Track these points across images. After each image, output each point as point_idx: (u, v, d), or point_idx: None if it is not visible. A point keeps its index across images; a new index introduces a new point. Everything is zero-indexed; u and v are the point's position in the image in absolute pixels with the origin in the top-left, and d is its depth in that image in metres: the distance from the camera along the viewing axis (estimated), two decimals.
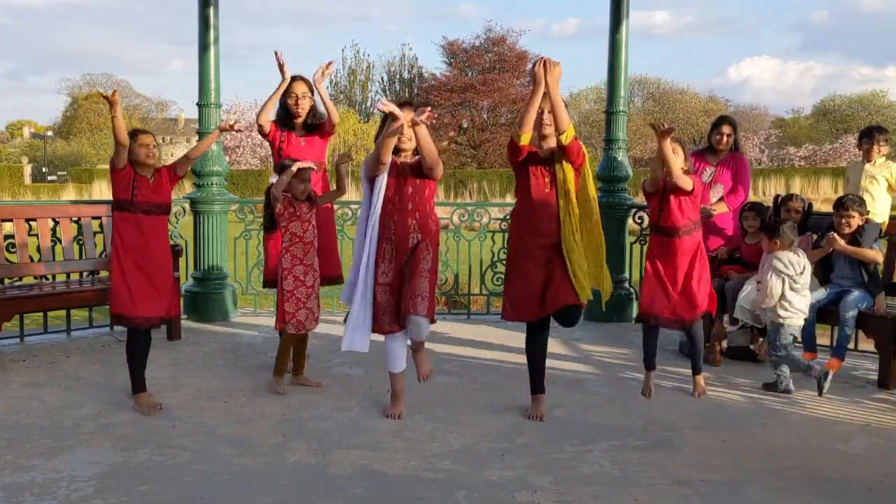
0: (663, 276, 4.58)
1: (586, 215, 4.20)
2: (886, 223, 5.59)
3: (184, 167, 4.50)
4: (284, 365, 4.72)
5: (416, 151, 4.14)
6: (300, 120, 5.18)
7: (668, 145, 4.34)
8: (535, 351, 4.28)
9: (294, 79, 5.14)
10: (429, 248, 4.12)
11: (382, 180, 4.09)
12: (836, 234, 5.10)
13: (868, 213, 5.25)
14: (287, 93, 5.13)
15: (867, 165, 5.87)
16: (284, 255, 4.58)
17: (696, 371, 4.77)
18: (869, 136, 5.91)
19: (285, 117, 5.18)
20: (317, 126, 5.21)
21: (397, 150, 4.13)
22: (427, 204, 4.18)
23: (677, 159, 4.42)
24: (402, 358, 4.23)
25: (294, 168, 4.49)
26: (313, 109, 5.20)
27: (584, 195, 4.20)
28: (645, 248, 6.80)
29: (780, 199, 5.61)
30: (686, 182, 4.43)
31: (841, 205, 5.18)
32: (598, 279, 4.24)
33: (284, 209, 4.54)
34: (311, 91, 5.17)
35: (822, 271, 5.31)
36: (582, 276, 4.09)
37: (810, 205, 5.55)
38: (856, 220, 5.10)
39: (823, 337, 5.65)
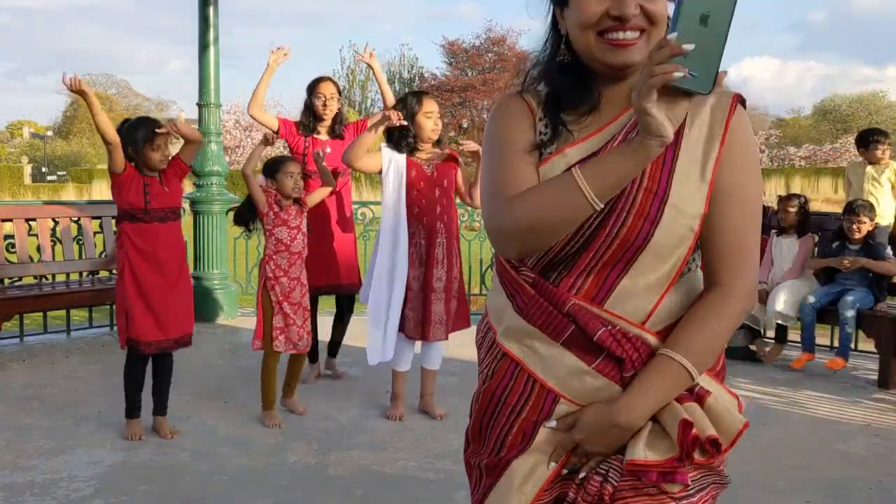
0: None
1: None
2: (893, 225, 5.59)
3: (191, 154, 3.95)
4: (273, 393, 4.12)
5: (439, 143, 4.17)
6: (326, 124, 4.87)
7: None
8: None
9: (321, 79, 4.88)
10: (456, 261, 4.14)
11: (395, 180, 4.05)
12: (851, 259, 5.09)
13: (876, 217, 5.27)
14: (314, 94, 4.83)
15: (868, 168, 5.87)
16: (267, 264, 4.06)
17: None
18: (866, 138, 5.94)
19: (309, 121, 4.88)
20: (342, 132, 4.90)
21: (414, 148, 4.11)
22: (452, 205, 4.19)
23: None
24: (409, 357, 4.21)
25: (270, 138, 4.16)
26: (339, 114, 4.92)
27: None
28: None
29: (778, 199, 5.66)
30: None
31: (852, 210, 5.17)
32: None
33: (269, 209, 4.06)
34: (339, 93, 4.93)
35: (824, 272, 5.32)
36: None
37: (806, 201, 5.54)
38: (866, 226, 5.11)
39: (823, 337, 5.65)
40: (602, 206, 1.25)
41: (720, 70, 1.21)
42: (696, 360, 1.28)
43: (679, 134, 1.29)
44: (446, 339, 4.14)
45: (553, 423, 1.33)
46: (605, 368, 1.31)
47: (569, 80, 1.37)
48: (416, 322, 4.06)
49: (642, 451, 1.26)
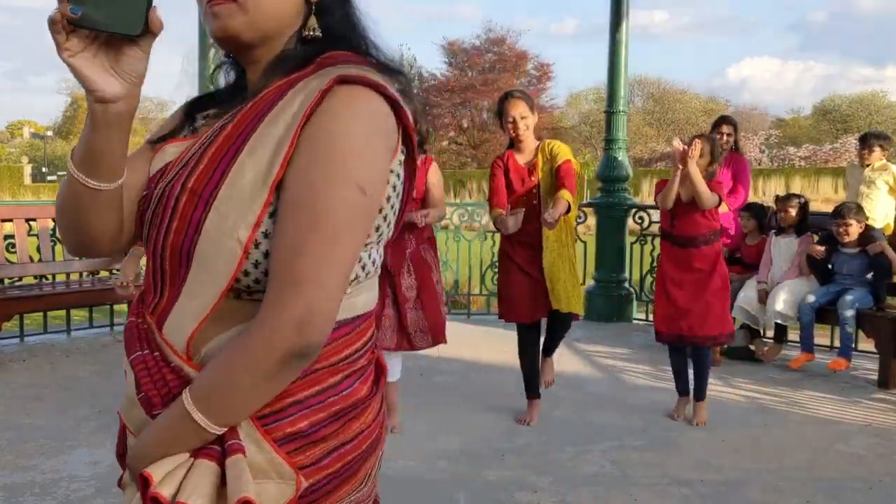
0: (674, 294, 4.13)
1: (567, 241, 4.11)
2: (891, 226, 5.59)
3: None
4: None
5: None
6: None
7: (696, 169, 3.94)
8: (528, 355, 4.20)
9: None
10: (429, 266, 4.00)
11: None
12: (883, 244, 5.08)
13: (867, 219, 5.26)
14: None
15: (866, 170, 5.88)
16: None
17: (697, 397, 4.22)
18: (864, 140, 5.97)
19: None
20: None
21: None
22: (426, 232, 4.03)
23: (702, 162, 4.05)
24: (397, 368, 4.08)
25: None
26: None
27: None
28: (645, 248, 6.82)
29: (777, 199, 5.66)
30: (712, 201, 4.00)
31: (838, 213, 5.18)
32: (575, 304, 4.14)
33: None
34: None
35: (822, 272, 5.32)
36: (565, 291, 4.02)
37: (806, 202, 5.55)
38: (854, 229, 5.10)
39: (823, 337, 5.66)
40: (91, 182, 1.06)
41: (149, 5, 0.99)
42: (209, 406, 1.01)
43: (249, 128, 1.06)
44: (433, 345, 3.99)
45: None
46: (144, 401, 1.09)
47: (227, 68, 1.23)
48: (394, 331, 3.89)
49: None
